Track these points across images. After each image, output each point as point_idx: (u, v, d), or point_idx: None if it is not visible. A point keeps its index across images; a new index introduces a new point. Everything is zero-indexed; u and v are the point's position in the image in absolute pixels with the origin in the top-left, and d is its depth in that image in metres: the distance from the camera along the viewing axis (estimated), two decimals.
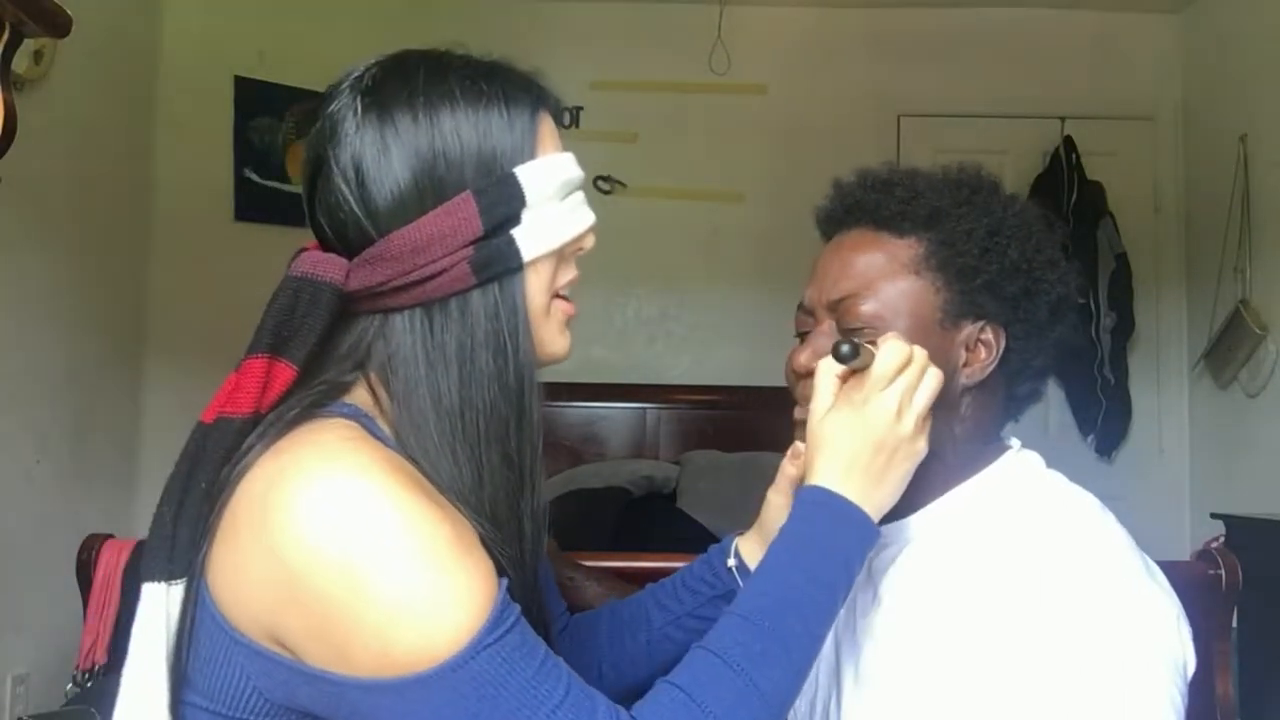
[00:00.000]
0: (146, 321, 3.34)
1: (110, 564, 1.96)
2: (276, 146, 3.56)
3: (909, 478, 0.88)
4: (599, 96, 3.96)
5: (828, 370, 0.89)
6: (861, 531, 0.85)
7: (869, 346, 0.87)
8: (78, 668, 1.97)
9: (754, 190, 3.98)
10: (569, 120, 3.96)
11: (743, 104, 4.01)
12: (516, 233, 0.80)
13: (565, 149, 0.85)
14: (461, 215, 0.78)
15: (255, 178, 3.52)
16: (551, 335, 0.85)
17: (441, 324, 0.79)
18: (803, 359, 0.97)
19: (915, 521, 0.97)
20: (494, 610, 0.72)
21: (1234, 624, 1.76)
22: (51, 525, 2.70)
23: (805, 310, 1.00)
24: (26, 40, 1.60)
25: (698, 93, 3.97)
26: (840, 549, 0.83)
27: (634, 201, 3.96)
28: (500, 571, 0.77)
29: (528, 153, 0.81)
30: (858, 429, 0.85)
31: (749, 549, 1.03)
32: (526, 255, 0.80)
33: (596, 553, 1.67)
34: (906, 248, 0.95)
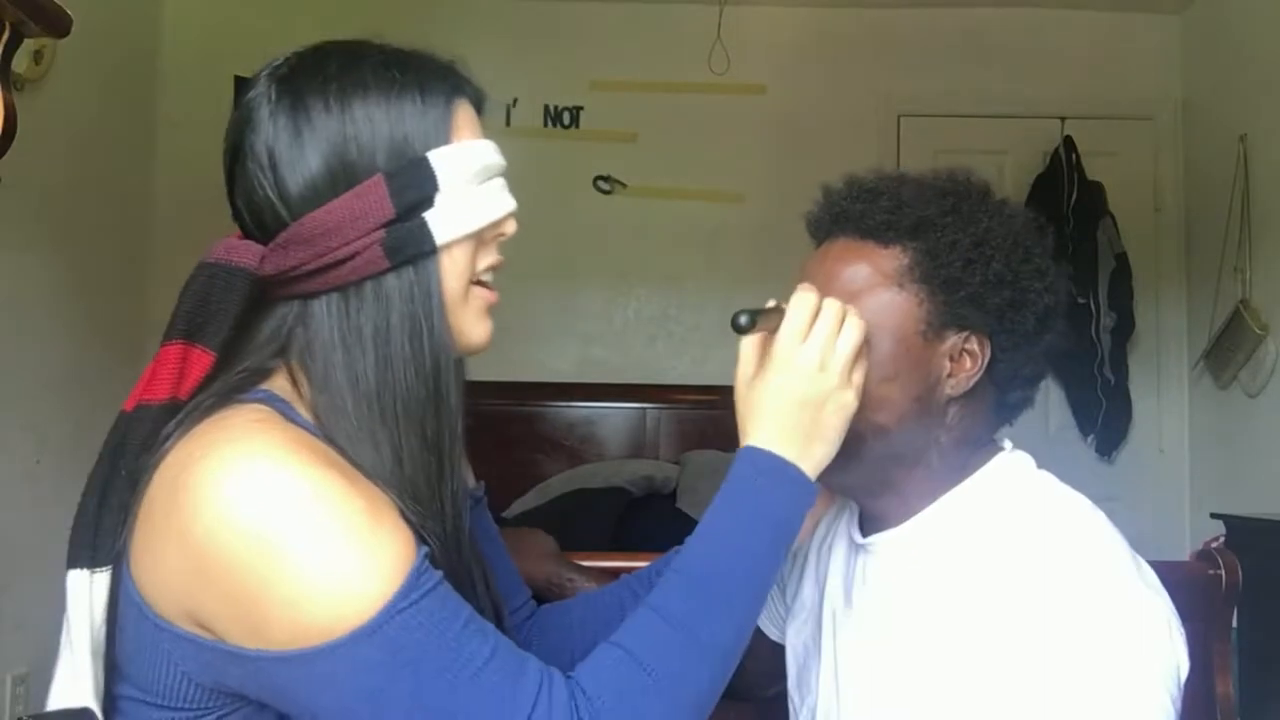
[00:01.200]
0: (147, 321, 3.33)
1: None
2: None
3: (843, 429, 0.88)
4: (599, 96, 3.96)
5: (747, 339, 0.89)
6: (797, 488, 0.85)
7: (783, 306, 0.88)
8: None
9: (754, 190, 3.98)
10: (569, 121, 3.97)
11: (742, 104, 4.00)
12: (429, 215, 0.80)
13: (486, 137, 0.85)
14: (372, 198, 0.78)
15: None
16: (469, 322, 0.85)
17: (357, 307, 0.80)
18: None
19: (908, 529, 0.96)
20: (410, 575, 0.72)
21: (1234, 624, 1.75)
22: (51, 525, 2.68)
23: None
24: (26, 40, 1.60)
25: (697, 93, 3.96)
26: (777, 505, 0.84)
27: (634, 201, 3.95)
28: (421, 541, 0.77)
29: (442, 138, 0.81)
30: (781, 389, 0.86)
31: None
32: (439, 238, 0.80)
33: (596, 553, 1.66)
34: (891, 258, 0.95)
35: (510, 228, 0.87)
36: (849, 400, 0.88)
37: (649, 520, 3.10)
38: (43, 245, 2.73)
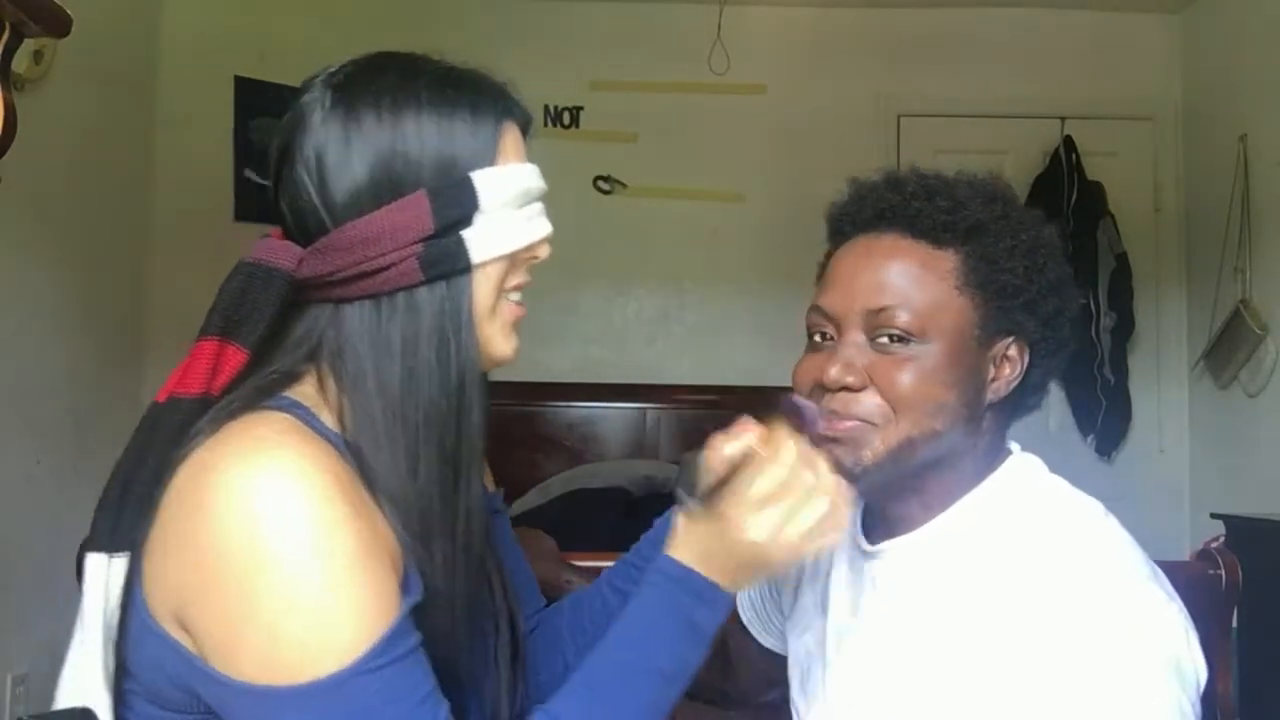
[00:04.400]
0: (146, 321, 3.34)
1: None
2: None
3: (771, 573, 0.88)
4: (599, 96, 3.96)
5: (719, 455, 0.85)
6: (714, 608, 0.84)
7: (760, 451, 0.83)
8: None
9: (754, 190, 3.98)
10: (569, 121, 3.97)
11: (742, 104, 4.00)
12: (467, 234, 0.81)
13: (529, 160, 0.87)
14: (414, 212, 0.79)
15: (255, 178, 3.51)
16: (495, 336, 0.86)
17: (388, 316, 0.81)
18: (834, 373, 0.91)
19: (923, 534, 0.96)
20: (384, 636, 0.73)
21: (1234, 624, 1.75)
22: (51, 525, 2.69)
23: (827, 317, 0.95)
24: (26, 40, 1.60)
25: (697, 93, 3.96)
26: (692, 623, 0.83)
27: (634, 201, 3.95)
28: (407, 588, 0.77)
29: (487, 159, 0.83)
30: (721, 538, 0.83)
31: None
32: (475, 257, 0.82)
33: (596, 553, 1.66)
34: (944, 260, 0.92)
35: (544, 252, 0.88)
36: (783, 565, 0.85)
37: (649, 520, 3.10)
38: (43, 245, 2.73)
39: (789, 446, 0.84)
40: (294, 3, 3.60)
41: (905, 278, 0.92)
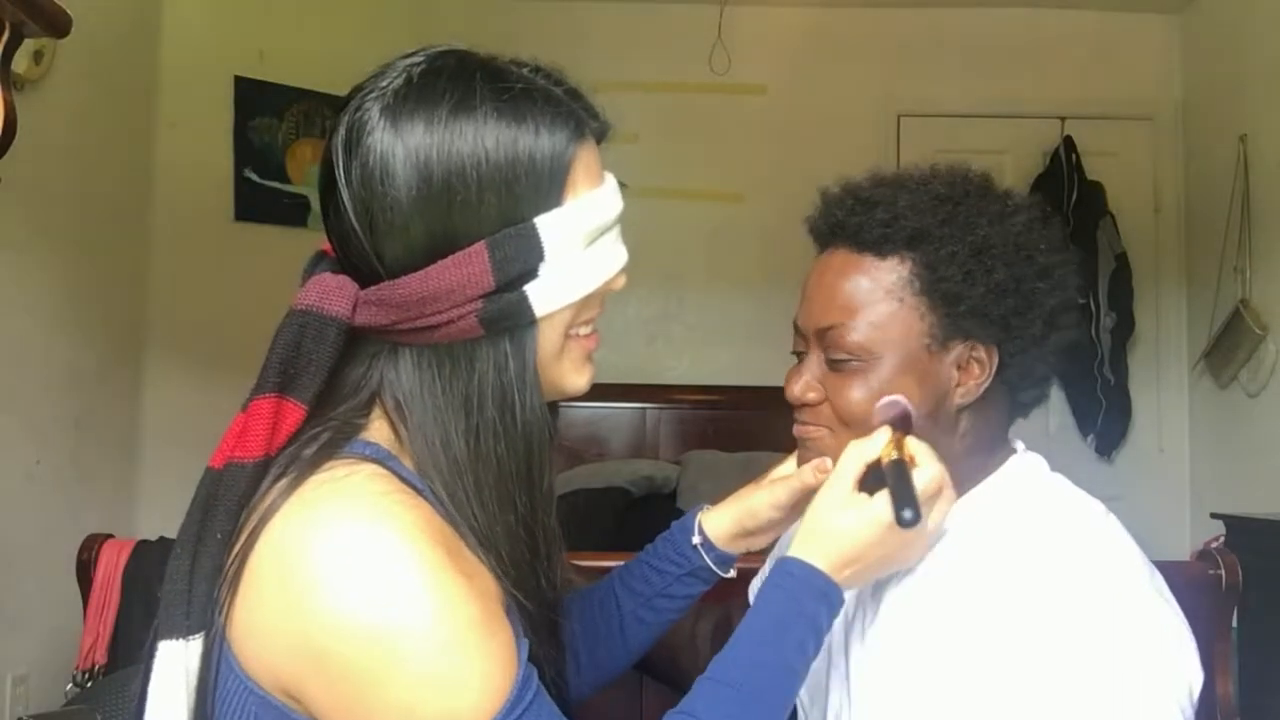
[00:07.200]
0: (146, 321, 3.33)
1: (110, 564, 1.96)
2: (276, 146, 3.55)
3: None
4: (599, 96, 3.94)
5: (856, 458, 0.87)
6: (836, 604, 0.85)
7: (908, 462, 0.85)
8: (78, 668, 1.97)
9: (754, 190, 3.98)
10: None
11: (742, 104, 4.01)
12: (530, 288, 0.75)
13: (606, 172, 0.83)
14: (472, 269, 0.73)
15: (255, 178, 3.51)
16: (564, 374, 0.82)
17: (449, 369, 0.76)
18: (796, 390, 0.96)
19: None
20: (514, 688, 0.71)
21: (1234, 624, 1.75)
22: (51, 525, 2.69)
23: (799, 332, 0.99)
24: (26, 40, 1.60)
25: (698, 93, 3.97)
26: (819, 622, 0.84)
27: (634, 201, 3.87)
28: (523, 632, 0.76)
29: (553, 199, 0.76)
30: (880, 543, 0.84)
31: (714, 525, 1.03)
32: (539, 311, 0.76)
33: (596, 553, 1.66)
34: (889, 270, 0.92)
35: (619, 284, 0.83)
36: (909, 561, 0.90)
37: (649, 520, 3.10)
38: (42, 245, 2.73)
39: (924, 447, 0.87)
40: (294, 3, 3.60)
41: (851, 294, 0.93)
